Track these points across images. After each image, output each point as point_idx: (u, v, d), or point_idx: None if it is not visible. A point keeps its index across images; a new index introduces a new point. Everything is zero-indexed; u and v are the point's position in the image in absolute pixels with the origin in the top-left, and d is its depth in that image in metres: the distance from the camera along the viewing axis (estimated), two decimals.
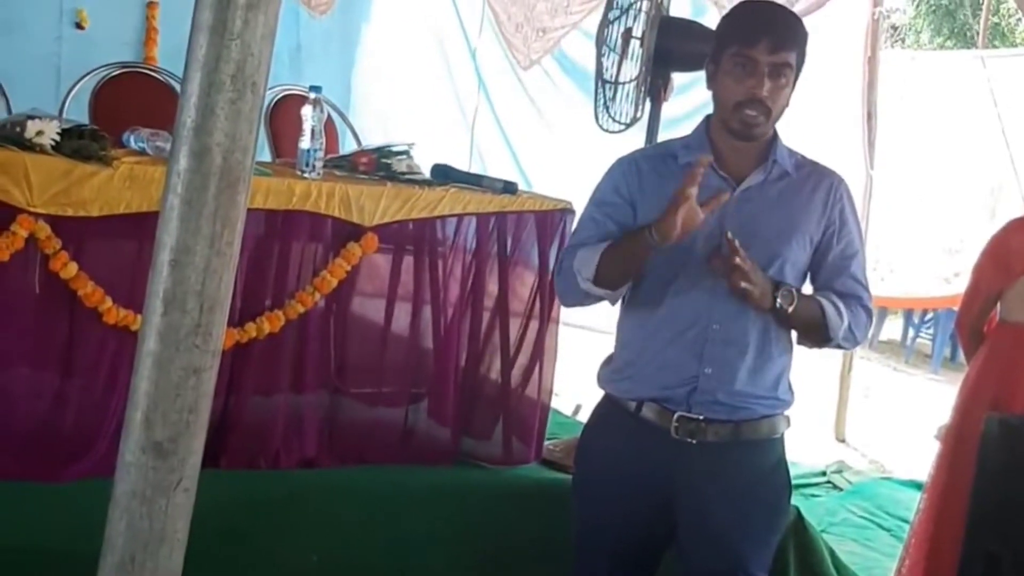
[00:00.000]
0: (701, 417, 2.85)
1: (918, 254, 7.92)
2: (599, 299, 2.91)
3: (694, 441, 2.86)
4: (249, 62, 1.39)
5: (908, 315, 11.60)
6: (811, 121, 6.51)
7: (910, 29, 20.71)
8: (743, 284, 2.71)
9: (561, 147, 6.44)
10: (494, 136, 6.92)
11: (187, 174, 1.42)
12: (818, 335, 2.91)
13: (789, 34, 2.80)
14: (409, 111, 6.59)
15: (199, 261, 1.43)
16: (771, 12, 2.93)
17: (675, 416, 2.86)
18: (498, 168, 6.84)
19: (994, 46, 15.25)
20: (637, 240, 2.76)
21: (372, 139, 4.45)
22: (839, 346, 2.99)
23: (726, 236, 2.73)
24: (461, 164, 6.55)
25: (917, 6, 20.67)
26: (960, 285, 7.19)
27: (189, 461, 1.48)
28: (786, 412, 2.99)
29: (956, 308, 4.57)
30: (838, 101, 7.22)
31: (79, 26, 5.30)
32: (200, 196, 1.42)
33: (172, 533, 1.47)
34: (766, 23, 2.80)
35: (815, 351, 3.12)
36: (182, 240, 1.43)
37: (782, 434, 3.00)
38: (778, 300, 2.76)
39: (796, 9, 6.47)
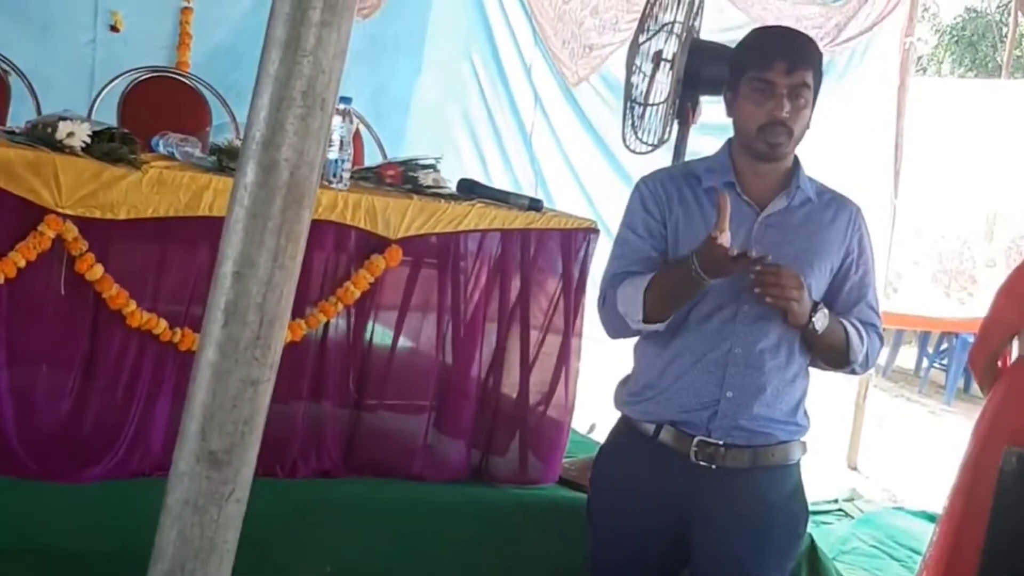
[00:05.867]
0: (720, 442, 2.86)
1: (931, 275, 7.89)
2: (652, 331, 2.91)
3: (713, 466, 2.87)
4: (320, 79, 1.39)
5: (923, 345, 11.58)
6: (842, 150, 6.52)
7: (931, 60, 20.75)
8: (791, 296, 2.74)
9: (615, 164, 6.41)
10: (552, 152, 6.87)
11: (254, 187, 1.42)
12: (839, 358, 2.93)
13: (803, 55, 2.83)
14: (462, 121, 6.56)
15: (262, 274, 1.42)
16: (784, 35, 2.97)
17: (694, 441, 2.87)
18: (558, 184, 6.82)
19: (1015, 78, 15.24)
20: (684, 277, 2.76)
21: (420, 148, 4.44)
22: (853, 371, 3.02)
23: (762, 258, 2.74)
24: (523, 179, 6.53)
25: (940, 37, 20.70)
26: (974, 307, 7.23)
27: (242, 472, 1.48)
28: (803, 438, 3.00)
29: (969, 331, 4.55)
30: (870, 130, 7.24)
31: (114, 28, 5.30)
32: (266, 210, 1.42)
33: (222, 543, 1.46)
34: (780, 46, 2.84)
35: (830, 378, 3.15)
36: (246, 252, 1.43)
37: (799, 460, 3.01)
38: (813, 320, 2.77)
39: (842, 35, 6.50)
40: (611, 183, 6.45)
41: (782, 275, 2.74)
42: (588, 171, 6.81)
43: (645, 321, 2.85)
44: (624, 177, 6.23)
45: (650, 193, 2.95)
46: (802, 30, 3.14)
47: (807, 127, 2.87)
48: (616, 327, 2.96)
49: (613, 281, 2.94)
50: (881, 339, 3.03)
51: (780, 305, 2.77)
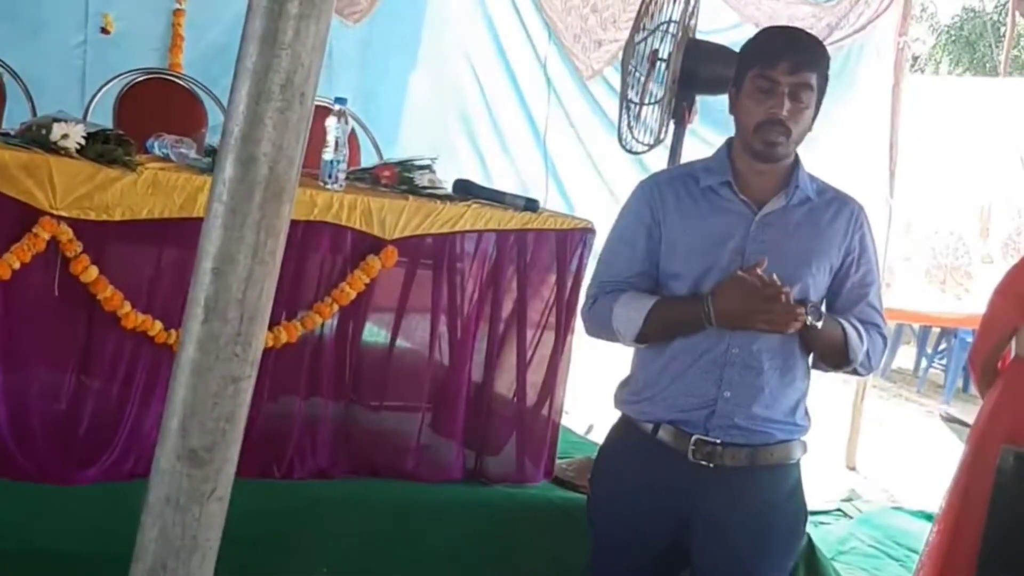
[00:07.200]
0: (718, 441, 2.86)
1: (924, 270, 7.88)
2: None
3: (711, 465, 2.86)
4: (299, 72, 1.39)
5: (921, 345, 11.58)
6: (837, 151, 6.51)
7: (929, 59, 20.76)
8: (782, 331, 2.79)
9: (634, 157, 6.39)
10: (568, 148, 6.82)
11: (232, 183, 1.41)
12: (839, 357, 2.92)
13: (809, 56, 2.82)
14: (460, 121, 6.53)
15: (241, 270, 1.42)
16: (790, 35, 2.97)
17: (692, 439, 2.86)
18: (576, 180, 6.78)
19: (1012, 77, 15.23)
20: (689, 318, 2.83)
21: (415, 149, 4.44)
22: (855, 371, 3.01)
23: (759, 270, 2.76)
24: (532, 177, 6.50)
25: (937, 37, 20.71)
26: (971, 303, 7.23)
27: (224, 470, 1.47)
28: (803, 438, 2.99)
29: (967, 327, 4.55)
30: (865, 130, 7.24)
31: (104, 31, 5.28)
32: (245, 205, 1.41)
33: (204, 541, 1.46)
34: (785, 45, 2.83)
35: (827, 378, 3.15)
36: (225, 248, 1.42)
37: (798, 460, 3.01)
38: (808, 318, 2.77)
39: (834, 35, 6.49)
40: (631, 177, 6.37)
41: (776, 311, 2.74)
42: (608, 166, 6.76)
43: (638, 340, 2.92)
44: (644, 170, 6.18)
45: (646, 200, 2.96)
46: None
47: (808, 129, 2.86)
48: (600, 333, 3.02)
49: (603, 288, 2.98)
50: (884, 339, 3.02)
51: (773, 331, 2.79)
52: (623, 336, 2.91)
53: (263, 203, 1.41)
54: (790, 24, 4.75)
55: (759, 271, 2.72)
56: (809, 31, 3.26)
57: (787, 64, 2.76)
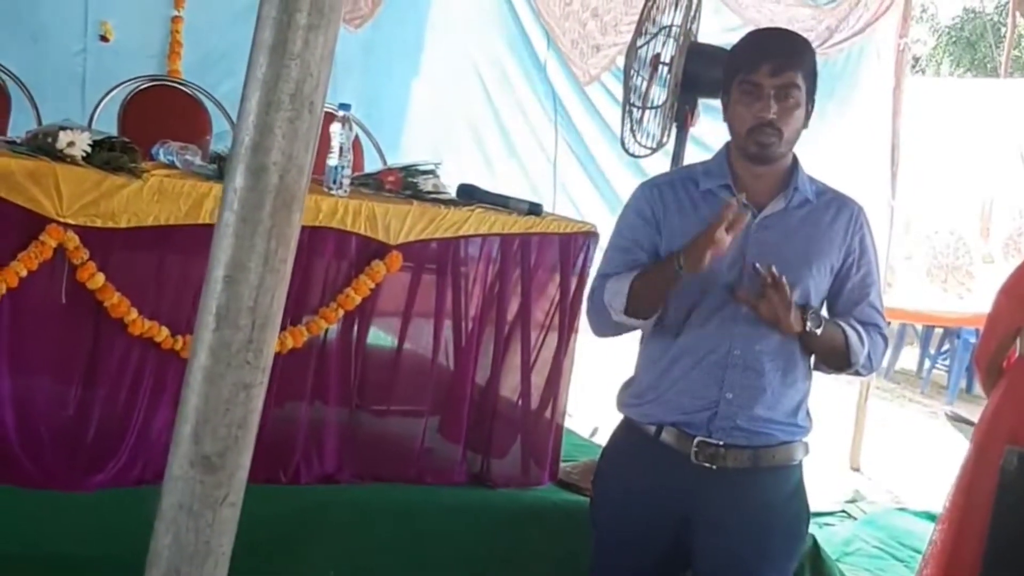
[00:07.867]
0: (720, 443, 2.87)
1: (926, 269, 7.89)
2: (633, 329, 2.97)
3: (713, 467, 2.87)
4: (308, 82, 1.40)
5: (924, 346, 11.57)
6: (839, 153, 6.51)
7: (930, 60, 20.75)
8: (777, 313, 2.76)
9: (631, 163, 6.40)
10: (570, 152, 6.80)
11: (243, 192, 1.43)
12: (840, 360, 2.93)
13: (790, 55, 2.84)
14: (465, 126, 6.52)
15: (253, 278, 1.43)
16: (771, 36, 3.00)
17: (695, 441, 2.87)
18: (578, 184, 6.78)
19: (1013, 78, 15.21)
20: (664, 269, 2.82)
21: (419, 154, 4.44)
22: (857, 372, 3.02)
23: (755, 267, 2.77)
24: (539, 180, 6.49)
25: (938, 37, 20.71)
26: (973, 302, 7.24)
27: (236, 476, 1.48)
28: (804, 439, 3.00)
29: (970, 326, 4.55)
30: (866, 132, 7.24)
31: (104, 39, 5.28)
32: (256, 214, 1.43)
33: (217, 547, 1.47)
34: (766, 48, 2.86)
35: (831, 379, 3.16)
36: (236, 257, 1.44)
37: (800, 461, 3.02)
38: (808, 323, 2.78)
39: (835, 38, 6.49)
40: (634, 182, 6.34)
41: (774, 301, 2.75)
42: (610, 171, 6.76)
43: (626, 313, 2.89)
44: (645, 176, 6.15)
45: (646, 200, 2.98)
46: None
47: (802, 127, 2.87)
48: (599, 321, 3.01)
49: (602, 283, 2.98)
50: (885, 339, 3.03)
51: (765, 317, 2.80)
52: (614, 309, 2.90)
53: (273, 212, 1.42)
54: (790, 27, 4.77)
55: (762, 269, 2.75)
56: (809, 33, 3.27)
57: (769, 66, 2.78)
